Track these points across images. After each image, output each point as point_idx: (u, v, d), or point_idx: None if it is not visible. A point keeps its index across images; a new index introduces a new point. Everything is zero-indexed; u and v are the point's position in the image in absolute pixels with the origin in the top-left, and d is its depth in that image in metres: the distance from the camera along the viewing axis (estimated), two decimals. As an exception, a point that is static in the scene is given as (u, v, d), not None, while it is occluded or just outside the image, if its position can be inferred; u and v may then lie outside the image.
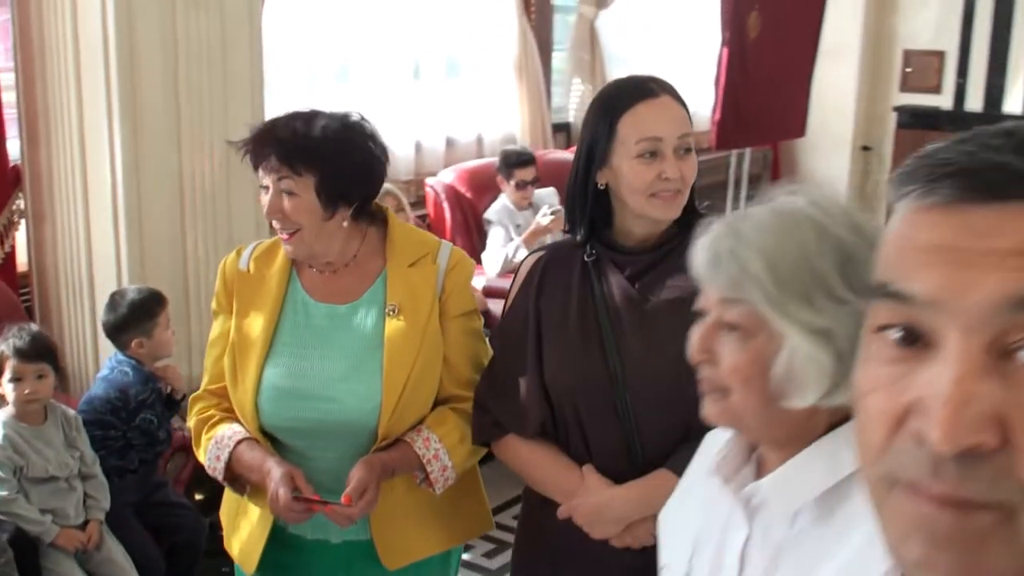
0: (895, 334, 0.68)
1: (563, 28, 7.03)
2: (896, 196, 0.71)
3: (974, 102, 7.86)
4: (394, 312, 2.11)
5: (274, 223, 2.12)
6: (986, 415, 0.62)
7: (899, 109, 7.43)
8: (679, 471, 1.89)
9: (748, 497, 1.30)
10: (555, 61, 6.94)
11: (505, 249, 5.17)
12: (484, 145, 6.21)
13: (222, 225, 3.95)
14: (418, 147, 5.75)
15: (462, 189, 5.45)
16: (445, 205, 5.32)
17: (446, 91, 5.96)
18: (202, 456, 2.21)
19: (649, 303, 1.99)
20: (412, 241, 2.20)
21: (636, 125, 1.96)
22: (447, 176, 5.51)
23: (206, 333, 3.90)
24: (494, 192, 5.44)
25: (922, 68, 8.34)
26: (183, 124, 3.79)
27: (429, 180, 5.47)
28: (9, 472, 2.92)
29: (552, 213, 5.21)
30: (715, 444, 1.42)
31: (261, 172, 2.10)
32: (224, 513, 2.34)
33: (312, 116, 2.11)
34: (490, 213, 5.35)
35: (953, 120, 7.52)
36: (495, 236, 5.22)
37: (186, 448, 3.20)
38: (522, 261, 2.20)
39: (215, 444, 2.16)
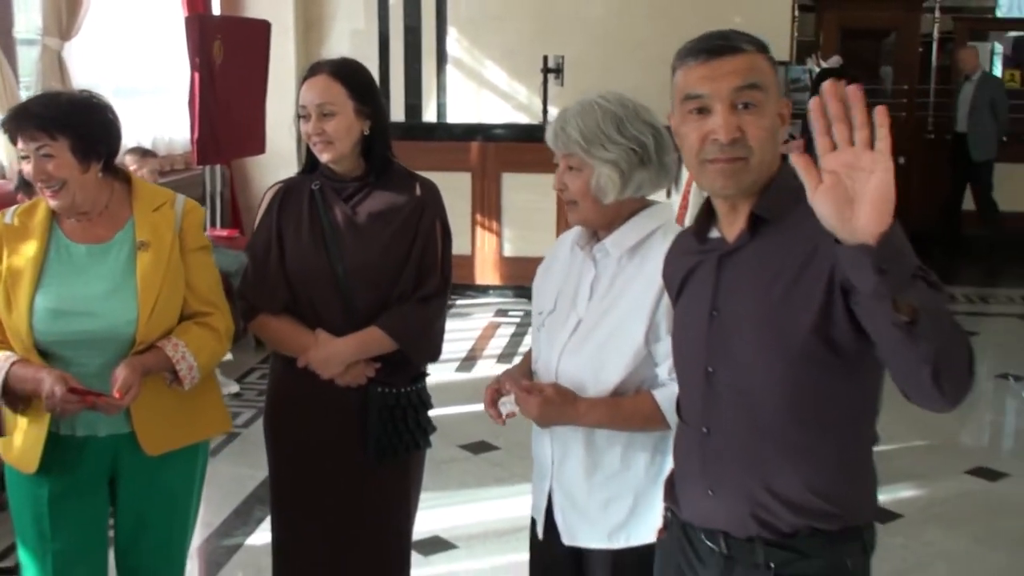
0: (695, 111, 1.79)
1: (28, 61, 7.16)
2: (679, 64, 1.82)
3: (397, 116, 9.21)
4: (143, 247, 2.60)
5: (39, 184, 2.53)
6: (735, 126, 1.72)
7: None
8: (384, 327, 2.77)
9: (595, 252, 2.38)
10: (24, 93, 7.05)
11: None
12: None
13: None
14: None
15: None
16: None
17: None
18: None
19: (358, 215, 2.80)
20: (153, 193, 2.72)
21: (303, 98, 2.75)
22: (-38, 198, 5.58)
23: None
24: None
25: (350, 92, 9.57)
26: None
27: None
28: None
29: None
30: (564, 240, 2.53)
31: (21, 144, 2.51)
32: None
33: (56, 93, 2.64)
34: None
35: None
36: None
37: None
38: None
39: None
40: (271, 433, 2.93)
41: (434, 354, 2.91)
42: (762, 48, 1.83)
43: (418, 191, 2.86)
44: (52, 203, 2.56)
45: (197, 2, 8.52)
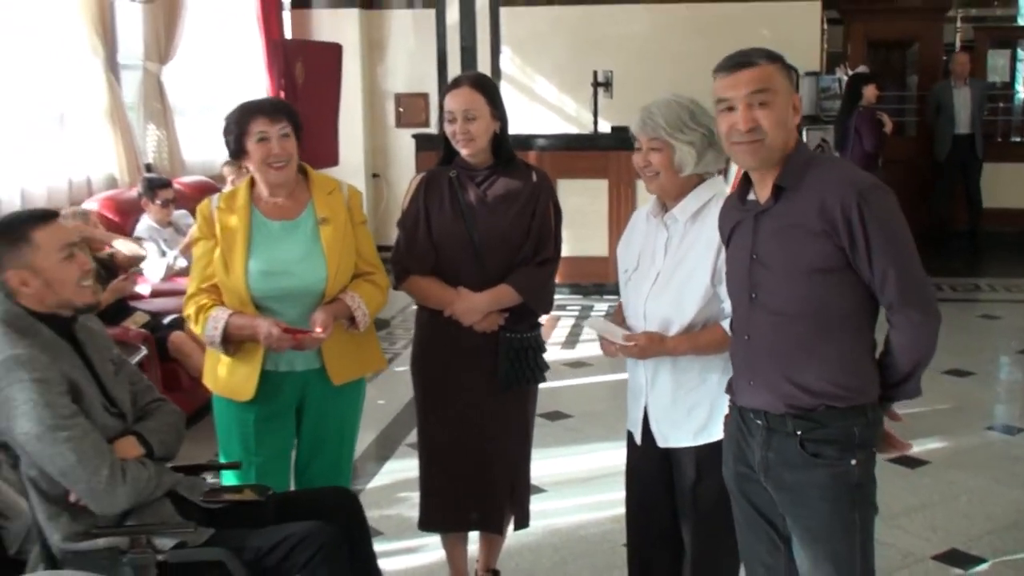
0: (725, 109, 2.52)
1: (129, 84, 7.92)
2: (714, 76, 2.58)
3: (456, 131, 9.92)
4: (324, 222, 3.33)
5: (271, 160, 3.22)
6: (751, 119, 2.45)
7: (416, 137, 9.22)
8: (512, 284, 3.45)
9: (667, 220, 3.05)
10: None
11: (165, 259, 6.19)
12: (92, 184, 7.07)
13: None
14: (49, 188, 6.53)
15: (109, 214, 6.33)
16: (100, 227, 6.16)
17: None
18: (199, 331, 3.28)
19: (488, 197, 3.49)
20: (324, 180, 3.45)
21: (450, 104, 3.45)
22: (92, 205, 6.35)
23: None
24: (135, 215, 6.41)
25: (411, 107, 10.36)
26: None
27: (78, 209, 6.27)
28: None
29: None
30: (639, 215, 3.18)
31: (262, 127, 3.19)
32: (207, 371, 3.42)
33: (276, 99, 3.36)
34: (140, 232, 6.31)
35: (443, 141, 9.48)
36: (151, 250, 6.19)
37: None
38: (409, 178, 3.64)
39: (212, 320, 3.23)
40: (420, 371, 3.61)
41: (549, 305, 3.61)
42: (774, 59, 2.54)
43: (534, 178, 3.54)
44: (275, 178, 3.25)
45: (272, 27, 9.29)
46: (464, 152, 3.45)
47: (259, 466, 3.32)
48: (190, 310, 3.31)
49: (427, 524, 3.67)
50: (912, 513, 4.51)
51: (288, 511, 2.99)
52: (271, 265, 3.27)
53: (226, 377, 3.34)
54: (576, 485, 4.89)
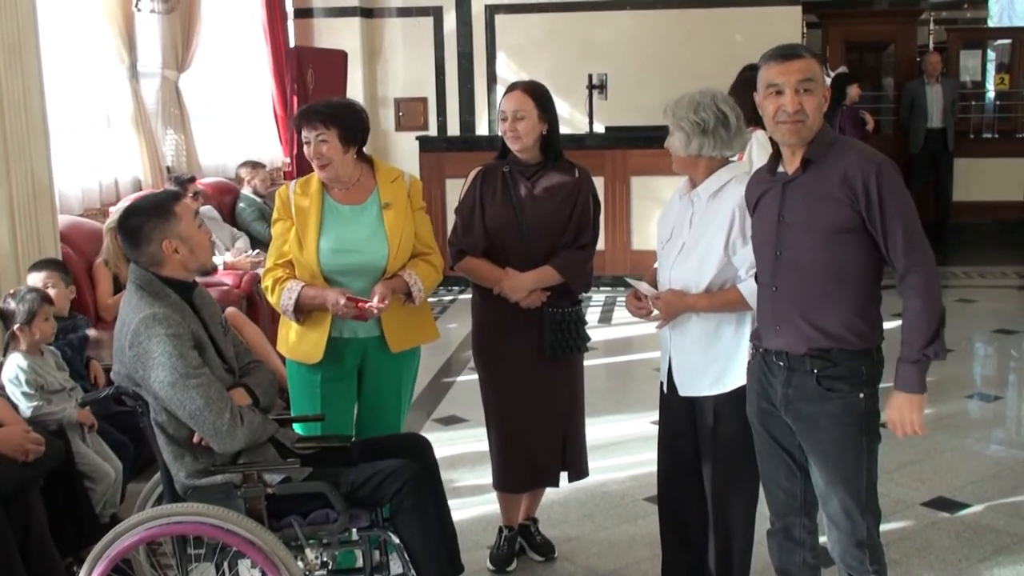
0: (774, 93, 2.96)
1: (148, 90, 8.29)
2: (763, 64, 3.03)
3: (453, 131, 10.38)
4: (387, 207, 3.74)
5: (314, 160, 3.65)
6: (798, 102, 2.89)
7: (419, 139, 9.66)
8: (554, 265, 3.90)
9: (692, 197, 3.48)
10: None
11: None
12: (119, 186, 7.46)
13: None
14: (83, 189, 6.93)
15: (144, 212, 6.73)
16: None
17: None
18: (275, 301, 3.68)
19: (536, 189, 3.95)
20: (388, 170, 3.85)
21: (504, 106, 3.91)
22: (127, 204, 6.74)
23: None
24: (167, 213, 6.82)
25: (410, 111, 10.80)
26: None
27: (112, 208, 6.67)
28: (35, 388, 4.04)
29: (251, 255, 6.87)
30: (675, 193, 3.57)
31: (305, 133, 3.63)
32: (281, 338, 3.81)
33: (328, 100, 3.75)
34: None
35: (444, 142, 9.95)
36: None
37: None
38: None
39: (287, 290, 3.64)
40: (481, 351, 4.06)
41: (587, 285, 4.05)
42: (815, 55, 3.00)
43: (576, 174, 4.00)
44: (320, 175, 3.68)
45: (278, 35, 9.68)
46: (513, 148, 3.90)
47: (324, 423, 3.72)
48: (267, 282, 3.71)
49: (506, 487, 4.12)
50: (902, 468, 4.98)
51: (370, 454, 3.41)
52: (340, 243, 3.67)
53: (297, 343, 3.74)
54: (594, 451, 5.28)
